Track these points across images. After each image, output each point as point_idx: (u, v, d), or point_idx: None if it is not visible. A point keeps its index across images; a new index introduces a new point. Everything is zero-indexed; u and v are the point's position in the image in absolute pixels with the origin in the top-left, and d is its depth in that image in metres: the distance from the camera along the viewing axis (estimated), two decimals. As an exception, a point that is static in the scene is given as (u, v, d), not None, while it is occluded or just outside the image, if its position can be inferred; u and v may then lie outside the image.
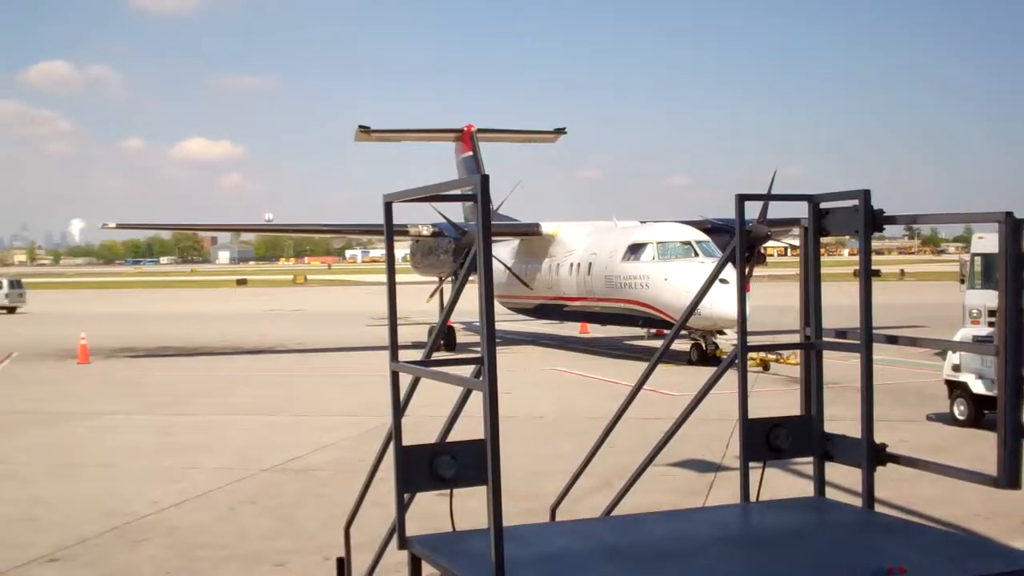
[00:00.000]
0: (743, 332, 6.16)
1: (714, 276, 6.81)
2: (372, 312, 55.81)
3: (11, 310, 62.63)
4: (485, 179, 4.25)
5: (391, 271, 5.44)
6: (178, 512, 12.70)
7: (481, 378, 4.98)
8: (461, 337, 36.78)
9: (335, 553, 10.10)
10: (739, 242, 6.20)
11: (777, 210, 29.43)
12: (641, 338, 36.25)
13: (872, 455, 5.69)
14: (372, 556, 6.88)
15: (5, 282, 64.54)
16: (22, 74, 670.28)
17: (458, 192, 5.44)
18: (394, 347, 5.27)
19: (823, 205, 5.99)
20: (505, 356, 28.52)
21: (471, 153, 42.01)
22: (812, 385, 6.17)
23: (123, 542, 11.36)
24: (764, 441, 5.99)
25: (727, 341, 27.71)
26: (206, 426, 19.40)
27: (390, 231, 5.29)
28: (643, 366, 6.80)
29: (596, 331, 38.57)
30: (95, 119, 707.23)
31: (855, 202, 5.67)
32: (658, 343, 34.45)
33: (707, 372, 24.88)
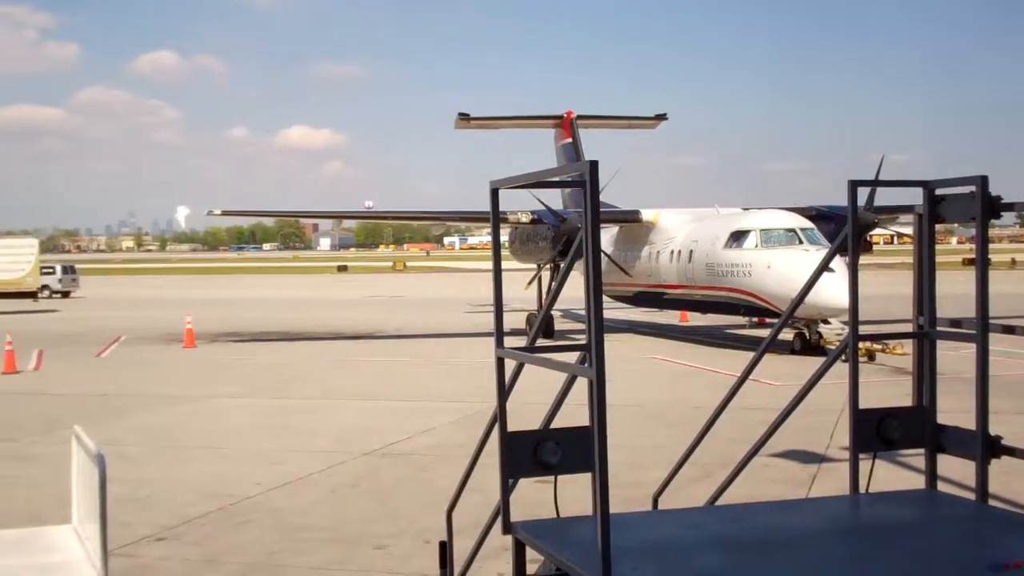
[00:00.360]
0: (855, 321, 5.99)
1: (824, 264, 6.64)
2: (470, 299, 56.07)
3: (65, 294, 63.36)
4: (594, 165, 4.17)
5: (497, 258, 5.40)
6: (281, 494, 12.88)
7: (587, 364, 4.91)
8: (558, 325, 36.74)
9: (435, 537, 10.15)
10: (851, 229, 6.02)
11: (884, 197, 28.80)
12: (742, 327, 35.81)
13: (987, 447, 5.50)
14: (473, 541, 6.87)
15: (59, 268, 65.51)
16: (131, 64, 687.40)
17: (565, 179, 5.38)
18: (499, 333, 5.23)
19: (938, 191, 5.80)
20: (605, 344, 28.33)
21: (571, 140, 41.88)
22: (925, 375, 5.98)
23: (228, 523, 11.56)
24: (875, 432, 5.82)
25: (831, 331, 27.21)
26: (308, 410, 19.66)
27: (496, 218, 5.25)
28: (744, 355, 6.67)
29: (696, 319, 38.21)
30: (201, 108, 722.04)
31: (972, 188, 5.48)
32: (760, 332, 34.01)
33: (810, 362, 24.47)
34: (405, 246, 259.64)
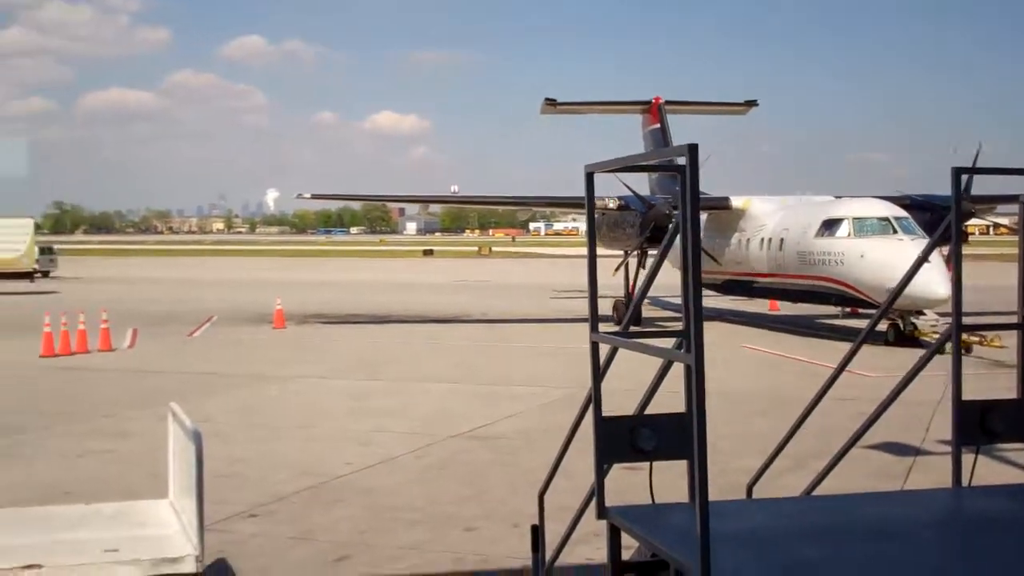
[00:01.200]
0: (958, 312, 5.83)
1: (925, 254, 6.48)
2: (556, 284, 56.03)
3: (45, 274, 61.81)
4: (694, 148, 4.09)
5: (592, 242, 5.36)
6: (370, 474, 13.00)
7: (683, 350, 4.85)
8: (644, 312, 36.53)
9: (523, 520, 10.18)
10: (955, 218, 5.86)
11: (981, 186, 28.12)
12: (834, 316, 35.26)
13: None
14: (561, 524, 6.86)
15: (36, 249, 61.29)
16: (221, 48, 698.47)
17: (662, 162, 5.31)
18: (594, 318, 5.19)
19: None
20: (691, 331, 28.12)
21: (658, 125, 41.54)
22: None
23: (318, 501, 11.70)
24: (978, 424, 5.67)
25: (925, 322, 26.67)
26: (395, 392, 19.82)
27: (591, 202, 5.20)
28: (835, 345, 6.56)
29: (786, 308, 37.71)
30: (289, 92, 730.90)
31: None
32: (852, 323, 33.46)
33: (904, 353, 23.90)
34: (490, 231, 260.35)
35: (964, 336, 24.77)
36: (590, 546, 8.79)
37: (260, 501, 11.60)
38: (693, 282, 4.14)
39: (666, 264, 5.91)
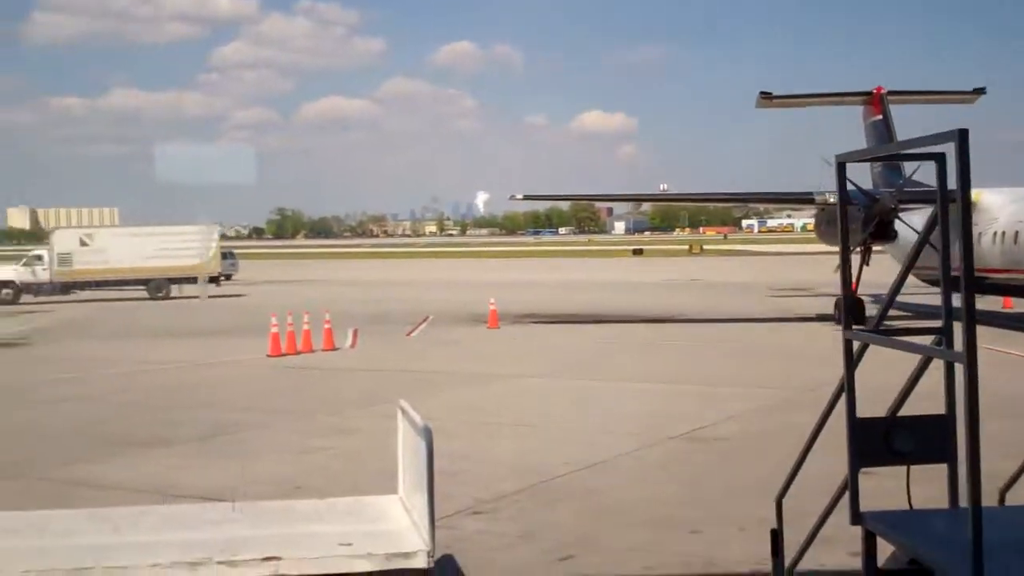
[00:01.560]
0: None
1: None
2: (771, 283, 54.80)
3: (227, 277, 62.58)
4: (964, 134, 3.78)
5: (844, 236, 5.09)
6: (591, 474, 12.90)
7: (943, 346, 4.53)
8: (869, 310, 35.23)
9: (749, 524, 9.89)
10: None
11: None
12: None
13: None
14: (795, 531, 6.56)
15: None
16: (432, 55, 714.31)
17: (920, 151, 4.96)
18: (847, 314, 4.91)
19: None
20: (922, 329, 26.97)
21: (880, 117, 39.99)
22: None
23: (540, 500, 11.67)
24: None
25: None
26: (613, 392, 19.70)
27: (843, 193, 4.93)
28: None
29: (1021, 305, 35.68)
30: (498, 95, 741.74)
31: None
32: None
33: None
34: (701, 229, 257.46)
35: None
36: (826, 549, 8.42)
37: (483, 498, 11.67)
38: (965, 276, 3.83)
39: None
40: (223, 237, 72.07)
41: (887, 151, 4.69)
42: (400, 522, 8.22)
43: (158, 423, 17.12)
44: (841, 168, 4.90)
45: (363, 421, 16.76)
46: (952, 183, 4.02)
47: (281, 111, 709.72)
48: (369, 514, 8.53)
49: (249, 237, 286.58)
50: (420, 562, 7.44)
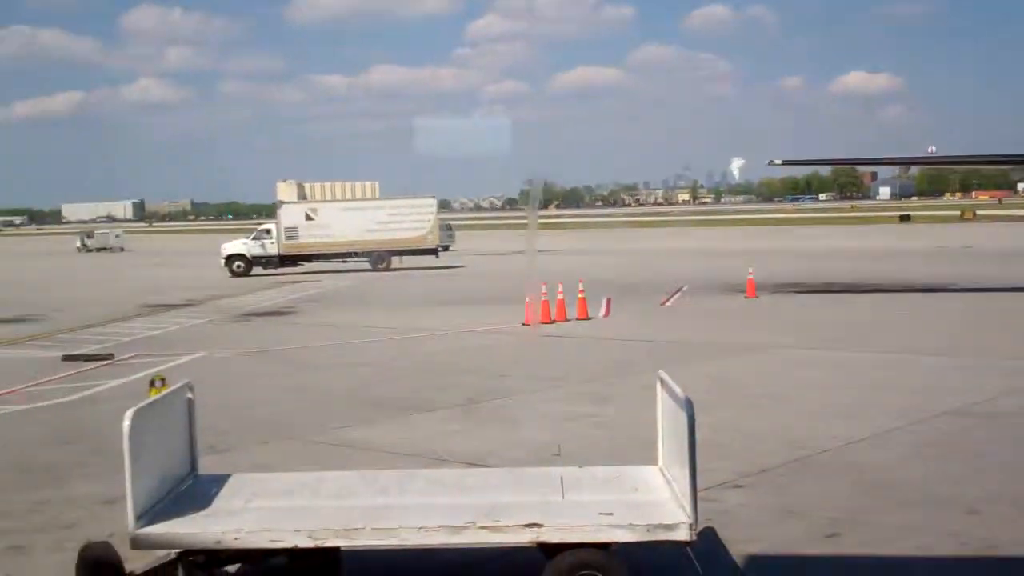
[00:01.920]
0: None
1: None
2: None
3: (445, 248, 62.10)
4: None
5: None
6: (858, 449, 12.39)
7: None
8: None
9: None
10: None
11: None
12: None
13: None
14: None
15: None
16: (684, 20, 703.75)
17: None
18: None
19: None
20: None
21: None
22: None
23: (805, 474, 11.30)
24: None
25: None
26: (883, 364, 18.87)
27: None
28: None
29: None
30: (752, 59, 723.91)
31: None
32: None
33: None
34: (973, 193, 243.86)
35: None
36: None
37: (745, 471, 11.40)
38: None
39: None
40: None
41: None
42: (661, 493, 8.12)
43: (426, 388, 17.62)
44: None
45: (620, 389, 16.72)
46: None
47: (532, 82, 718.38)
48: (629, 484, 8.46)
49: (502, 208, 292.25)
50: (682, 534, 7.31)
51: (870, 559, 8.68)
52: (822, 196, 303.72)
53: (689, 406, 7.46)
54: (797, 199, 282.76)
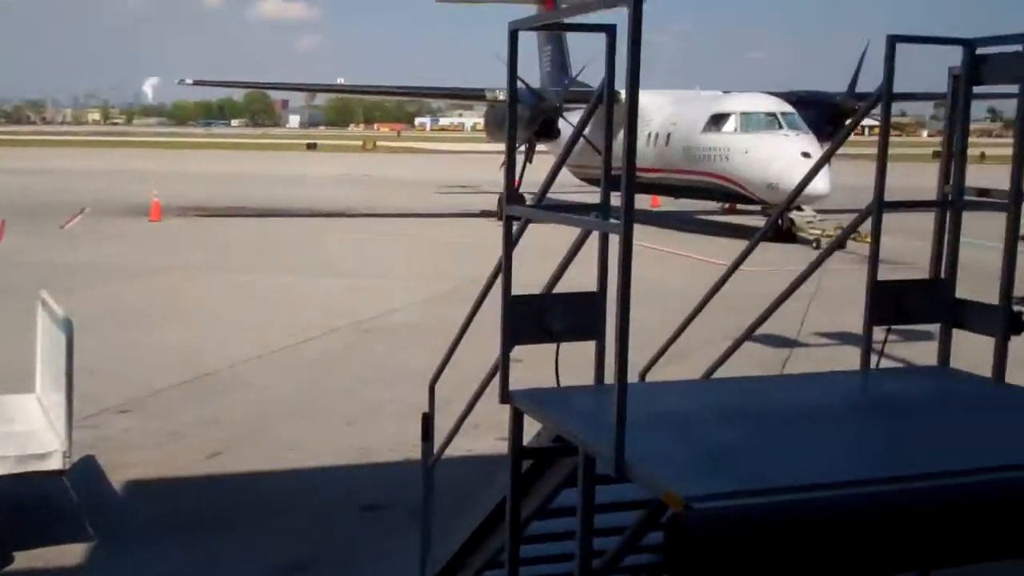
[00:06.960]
0: (880, 192, 5.57)
1: (828, 156, 6.30)
2: (440, 180, 55.49)
3: None
4: (638, 2, 3.53)
5: (512, 104, 4.99)
6: (253, 367, 12.70)
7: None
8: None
9: (410, 412, 10.02)
10: (886, 88, 5.51)
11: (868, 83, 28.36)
12: (713, 212, 35.61)
13: (1008, 323, 5.25)
14: (449, 419, 6.66)
15: None
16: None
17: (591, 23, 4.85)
18: (511, 190, 4.89)
19: (980, 51, 5.39)
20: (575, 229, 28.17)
21: (552, 10, 40.81)
22: (945, 247, 5.66)
23: (195, 396, 11.38)
24: (892, 305, 5.53)
25: (802, 218, 26.95)
26: (280, 286, 19.38)
27: (513, 63, 4.81)
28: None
29: (666, 204, 37.94)
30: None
31: (1019, 48, 5.07)
32: (731, 219, 33.81)
33: (781, 249, 23.94)
34: (375, 126, 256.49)
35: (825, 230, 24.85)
36: (477, 433, 8.67)
37: (136, 395, 11.25)
38: (628, 148, 3.75)
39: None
40: None
41: (559, 17, 4.60)
42: (36, 422, 7.75)
43: None
44: (513, 36, 4.75)
45: (3, 315, 15.64)
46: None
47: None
48: (6, 414, 7.98)
49: None
50: (55, 463, 7.06)
51: (247, 476, 8.95)
52: (234, 122, 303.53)
53: (68, 327, 7.15)
54: (209, 123, 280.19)
